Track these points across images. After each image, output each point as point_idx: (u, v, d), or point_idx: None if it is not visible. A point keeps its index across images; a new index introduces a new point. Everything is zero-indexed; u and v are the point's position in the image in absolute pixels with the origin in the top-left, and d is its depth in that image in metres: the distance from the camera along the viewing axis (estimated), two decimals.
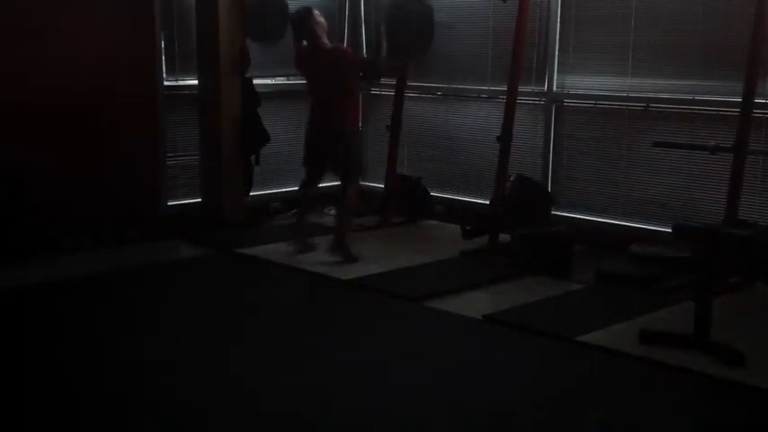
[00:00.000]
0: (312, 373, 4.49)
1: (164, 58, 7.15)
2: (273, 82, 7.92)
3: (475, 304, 5.52)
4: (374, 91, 8.35)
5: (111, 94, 6.77)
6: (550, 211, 6.94)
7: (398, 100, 7.63)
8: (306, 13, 6.46)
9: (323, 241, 6.65)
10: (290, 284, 6.09)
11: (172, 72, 7.26)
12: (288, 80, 8.00)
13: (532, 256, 6.25)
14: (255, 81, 7.47)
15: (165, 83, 7.19)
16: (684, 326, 4.76)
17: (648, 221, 6.66)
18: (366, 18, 8.28)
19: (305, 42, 6.52)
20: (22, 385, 4.31)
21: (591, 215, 6.99)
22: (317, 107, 6.57)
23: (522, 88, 6.84)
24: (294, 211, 7.33)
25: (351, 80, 6.50)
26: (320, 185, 6.86)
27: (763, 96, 5.91)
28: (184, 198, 7.45)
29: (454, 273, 6.27)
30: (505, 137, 6.71)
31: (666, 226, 5.99)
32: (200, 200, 7.47)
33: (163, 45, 7.13)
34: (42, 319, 5.27)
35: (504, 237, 6.72)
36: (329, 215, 7.96)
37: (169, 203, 7.33)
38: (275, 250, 6.66)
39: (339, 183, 6.61)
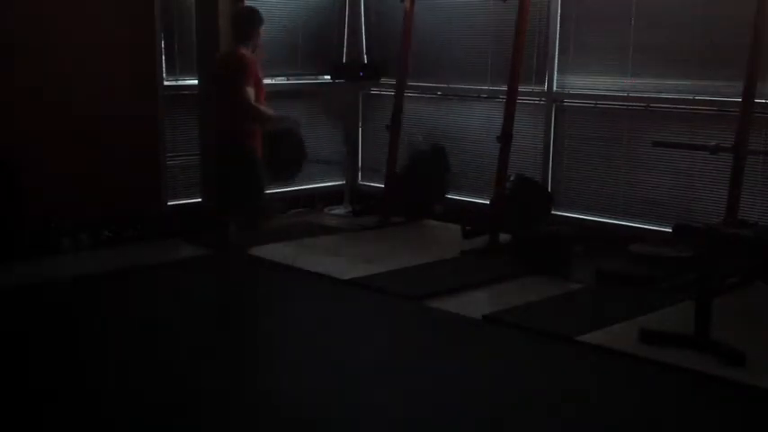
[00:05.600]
0: (312, 372, 4.49)
1: (164, 58, 7.14)
2: (273, 82, 7.90)
3: (475, 304, 5.52)
4: (374, 91, 8.33)
5: (111, 93, 6.76)
6: (550, 210, 6.93)
7: (398, 100, 7.62)
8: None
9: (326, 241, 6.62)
10: (290, 284, 6.08)
11: (172, 72, 7.25)
12: (287, 80, 8.02)
13: (532, 256, 6.25)
14: None
15: (165, 83, 7.18)
16: (684, 325, 4.76)
17: (649, 221, 6.65)
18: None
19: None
20: (22, 385, 4.30)
21: (591, 215, 6.98)
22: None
23: (522, 88, 6.85)
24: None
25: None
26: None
27: (763, 96, 5.90)
28: (184, 198, 7.44)
29: (454, 273, 6.27)
30: (505, 137, 6.72)
31: (667, 226, 5.98)
32: (200, 200, 7.46)
33: (163, 45, 7.12)
34: (41, 318, 5.26)
35: (504, 237, 6.72)
36: (329, 214, 7.98)
37: (169, 203, 7.32)
38: (275, 250, 6.65)
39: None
